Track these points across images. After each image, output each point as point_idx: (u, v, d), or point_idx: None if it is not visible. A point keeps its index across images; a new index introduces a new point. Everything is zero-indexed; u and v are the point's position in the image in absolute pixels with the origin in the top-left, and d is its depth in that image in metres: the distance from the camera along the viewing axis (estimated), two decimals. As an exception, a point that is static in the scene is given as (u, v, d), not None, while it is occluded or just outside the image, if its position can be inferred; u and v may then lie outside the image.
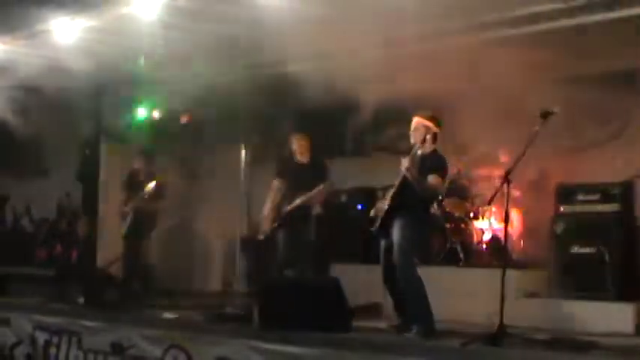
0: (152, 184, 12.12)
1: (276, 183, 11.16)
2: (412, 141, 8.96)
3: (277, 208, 11.07)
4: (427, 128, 8.90)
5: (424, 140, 8.85)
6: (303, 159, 11.15)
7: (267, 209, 11.12)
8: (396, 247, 8.71)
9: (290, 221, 10.93)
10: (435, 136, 8.95)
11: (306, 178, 10.93)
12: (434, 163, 8.83)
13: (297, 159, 11.18)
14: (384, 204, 9.00)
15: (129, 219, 12.30)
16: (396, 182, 8.81)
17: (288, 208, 10.93)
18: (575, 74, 11.00)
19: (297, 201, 10.85)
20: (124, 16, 10.07)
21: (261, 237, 11.32)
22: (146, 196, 12.11)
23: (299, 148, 11.15)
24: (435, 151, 8.97)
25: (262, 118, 11.11)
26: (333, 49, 11.00)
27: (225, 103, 12.56)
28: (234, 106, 12.46)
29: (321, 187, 10.82)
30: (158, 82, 12.87)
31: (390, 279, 8.98)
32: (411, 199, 8.70)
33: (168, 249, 13.95)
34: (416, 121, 9.01)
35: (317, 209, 12.78)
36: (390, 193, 8.93)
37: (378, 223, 8.99)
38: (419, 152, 8.84)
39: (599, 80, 10.94)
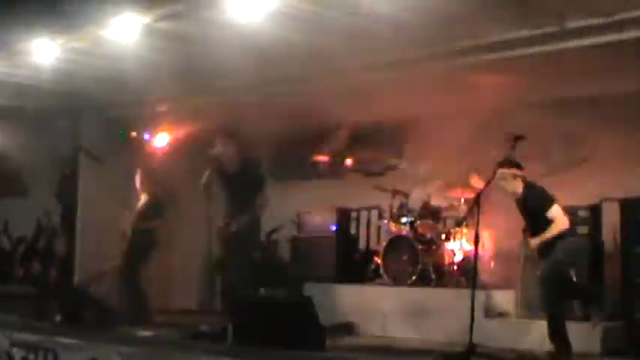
0: (143, 200, 12.16)
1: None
2: (509, 192, 9.10)
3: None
4: (515, 176, 9.01)
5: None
6: (231, 167, 10.59)
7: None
8: None
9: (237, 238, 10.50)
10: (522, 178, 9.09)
11: (238, 190, 10.46)
12: (536, 201, 8.96)
13: (225, 167, 10.60)
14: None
15: (127, 238, 12.31)
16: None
17: (228, 229, 10.50)
18: (546, 99, 11.18)
19: (232, 224, 10.41)
20: (103, 37, 10.13)
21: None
22: (138, 213, 12.15)
23: (224, 155, 10.55)
24: (527, 188, 9.07)
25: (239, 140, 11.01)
26: (311, 72, 11.12)
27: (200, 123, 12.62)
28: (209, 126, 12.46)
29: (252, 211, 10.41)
30: (138, 102, 12.96)
31: None
32: None
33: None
34: (502, 172, 9.05)
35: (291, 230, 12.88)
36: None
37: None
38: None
39: (569, 105, 11.13)
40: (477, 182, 10.93)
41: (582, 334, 8.95)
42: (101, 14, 9.50)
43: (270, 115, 11.83)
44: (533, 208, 8.90)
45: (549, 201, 8.85)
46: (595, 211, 10.20)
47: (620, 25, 9.04)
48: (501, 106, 11.07)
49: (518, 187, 8.98)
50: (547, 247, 8.78)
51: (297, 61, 10.67)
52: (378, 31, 9.43)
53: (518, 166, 9.05)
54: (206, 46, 10.20)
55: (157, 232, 12.31)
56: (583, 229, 9.97)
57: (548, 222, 8.77)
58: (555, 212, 8.80)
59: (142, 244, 12.17)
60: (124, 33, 9.84)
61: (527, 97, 11.04)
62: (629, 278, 9.63)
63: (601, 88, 10.77)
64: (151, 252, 12.33)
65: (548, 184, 9.18)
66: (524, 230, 9.52)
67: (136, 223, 12.18)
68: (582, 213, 10.02)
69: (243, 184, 10.48)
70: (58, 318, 11.31)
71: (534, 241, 8.83)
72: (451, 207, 11.74)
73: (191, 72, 11.30)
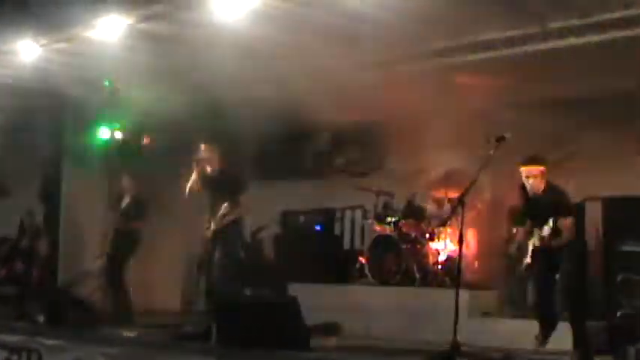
0: (126, 201, 12.17)
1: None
2: (531, 191, 8.71)
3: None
4: (543, 174, 8.68)
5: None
6: (212, 170, 10.62)
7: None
8: None
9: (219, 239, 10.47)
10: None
11: (216, 191, 10.49)
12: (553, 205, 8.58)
13: (207, 170, 10.63)
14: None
15: (109, 239, 12.28)
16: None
17: (210, 231, 10.46)
18: (529, 99, 11.21)
19: (213, 226, 10.40)
20: (86, 38, 10.12)
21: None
22: (121, 213, 12.15)
23: (205, 159, 10.58)
24: (547, 189, 8.72)
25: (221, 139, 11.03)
26: (294, 72, 11.12)
27: (183, 125, 12.60)
28: (192, 127, 12.44)
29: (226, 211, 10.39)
30: (120, 103, 12.93)
31: None
32: None
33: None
34: (528, 169, 8.69)
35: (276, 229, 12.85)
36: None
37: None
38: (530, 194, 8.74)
39: (551, 105, 11.17)
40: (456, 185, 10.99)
41: (565, 333, 8.99)
42: (84, 15, 9.50)
43: (254, 115, 11.81)
44: (548, 211, 8.53)
45: (570, 211, 8.62)
46: (578, 210, 10.21)
47: (601, 26, 9.09)
48: (485, 106, 11.10)
49: (541, 185, 8.71)
50: (552, 255, 8.67)
51: (282, 61, 10.69)
52: (363, 31, 9.46)
53: (545, 163, 8.77)
54: (190, 46, 10.22)
55: (140, 233, 12.30)
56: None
57: (557, 230, 8.49)
58: (571, 224, 8.55)
59: (125, 244, 12.17)
60: (108, 34, 9.85)
61: (511, 97, 11.07)
62: (611, 276, 9.69)
63: (583, 88, 10.80)
64: (135, 252, 12.32)
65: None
66: (513, 232, 9.42)
67: (119, 223, 12.18)
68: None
69: (225, 186, 10.50)
70: (41, 319, 11.28)
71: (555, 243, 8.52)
72: (435, 206, 11.79)
73: (174, 72, 11.31)
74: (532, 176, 8.67)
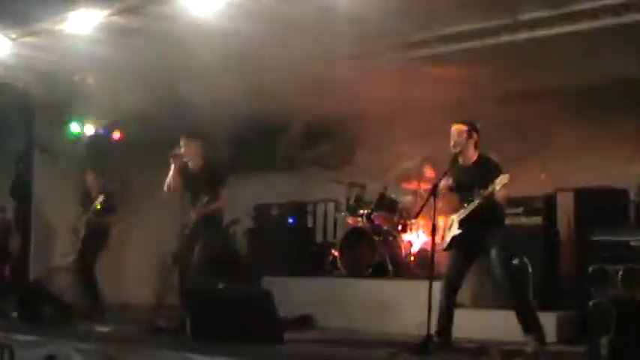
0: (100, 198, 12.12)
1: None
2: (454, 151, 8.67)
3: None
4: (469, 135, 8.62)
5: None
6: (194, 165, 10.65)
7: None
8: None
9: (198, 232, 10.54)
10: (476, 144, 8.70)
11: (199, 186, 10.50)
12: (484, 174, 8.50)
13: (189, 165, 10.66)
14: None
15: (81, 234, 12.25)
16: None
17: (192, 221, 10.55)
18: (501, 91, 11.26)
19: (193, 217, 10.50)
20: (58, 32, 10.06)
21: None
22: (94, 210, 12.09)
23: (188, 153, 10.59)
24: (479, 160, 8.73)
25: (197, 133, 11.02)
26: (266, 65, 11.11)
27: (154, 119, 12.56)
28: (164, 121, 12.40)
29: (213, 203, 10.45)
30: (91, 98, 12.86)
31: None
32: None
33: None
34: (456, 128, 8.64)
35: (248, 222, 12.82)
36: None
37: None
38: (460, 162, 8.68)
39: (523, 96, 11.23)
40: (430, 172, 11.04)
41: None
42: (55, 9, 9.45)
43: (227, 108, 11.80)
44: (483, 179, 8.42)
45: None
46: (549, 201, 10.28)
47: (572, 17, 9.14)
48: (456, 97, 11.13)
49: (471, 151, 8.69)
50: (483, 233, 8.62)
51: (255, 54, 10.67)
52: (336, 24, 9.45)
53: (476, 130, 8.69)
54: (162, 40, 10.18)
55: (111, 228, 12.29)
56: (537, 219, 10.06)
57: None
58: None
59: (97, 240, 12.15)
60: (79, 28, 9.79)
61: (482, 89, 11.11)
62: (583, 267, 9.76)
63: (555, 79, 10.87)
64: (107, 248, 12.30)
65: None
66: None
67: (90, 219, 12.14)
68: (537, 203, 10.09)
69: (205, 180, 10.49)
70: (13, 314, 11.21)
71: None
72: (408, 198, 11.82)
73: (147, 67, 11.26)
74: (457, 135, 8.61)
